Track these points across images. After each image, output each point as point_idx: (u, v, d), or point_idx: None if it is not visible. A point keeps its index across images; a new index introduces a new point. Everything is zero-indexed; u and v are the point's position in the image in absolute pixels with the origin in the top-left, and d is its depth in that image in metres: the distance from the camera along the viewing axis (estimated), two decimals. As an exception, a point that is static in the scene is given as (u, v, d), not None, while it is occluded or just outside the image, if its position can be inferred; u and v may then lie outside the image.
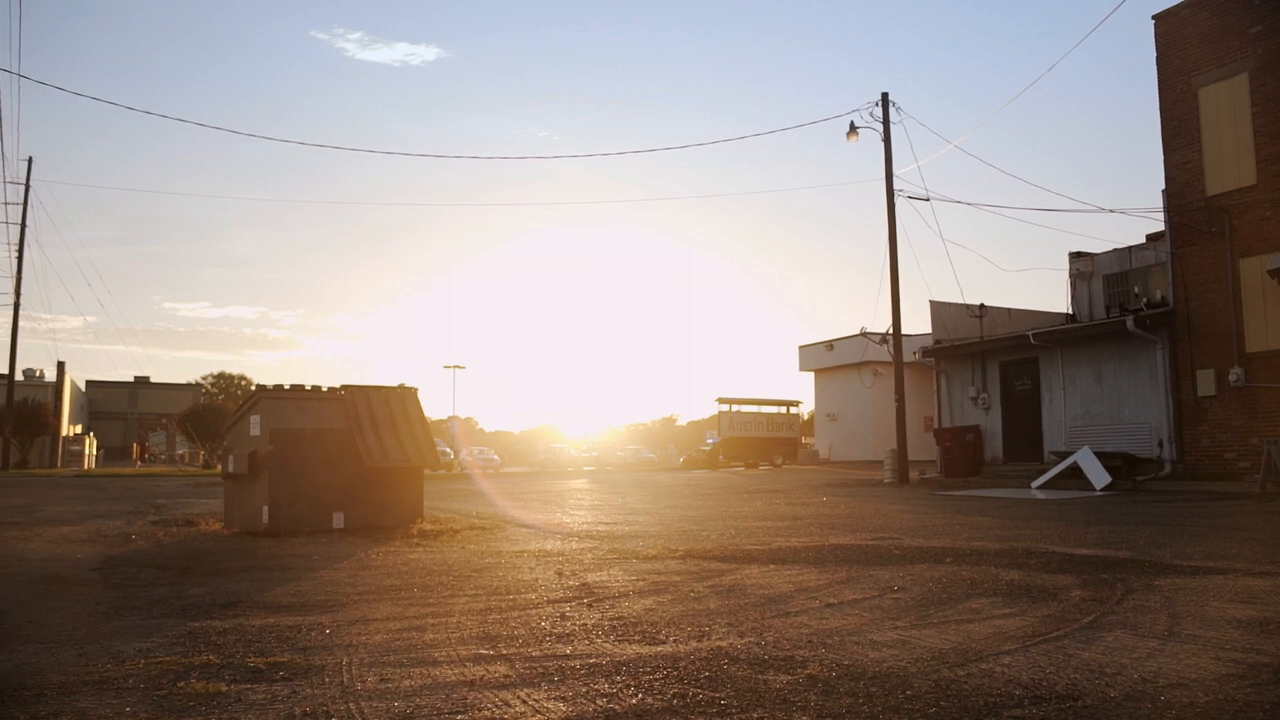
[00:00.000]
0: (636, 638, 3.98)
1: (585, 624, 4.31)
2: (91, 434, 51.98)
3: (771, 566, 6.48)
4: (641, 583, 5.74)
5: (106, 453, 55.88)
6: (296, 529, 9.34)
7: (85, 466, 43.41)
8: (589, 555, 7.33)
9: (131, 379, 73.55)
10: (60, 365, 44.44)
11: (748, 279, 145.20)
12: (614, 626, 4.24)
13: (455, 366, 60.22)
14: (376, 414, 10.21)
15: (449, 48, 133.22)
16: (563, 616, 4.51)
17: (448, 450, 42.41)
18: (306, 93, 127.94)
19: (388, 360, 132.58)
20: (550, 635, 4.06)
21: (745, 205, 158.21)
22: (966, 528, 9.57)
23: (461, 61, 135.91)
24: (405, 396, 10.58)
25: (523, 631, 4.14)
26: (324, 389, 10.24)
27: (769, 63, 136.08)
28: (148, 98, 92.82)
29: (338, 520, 9.75)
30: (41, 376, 50.31)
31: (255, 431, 9.87)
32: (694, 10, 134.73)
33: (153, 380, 79.49)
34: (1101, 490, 16.31)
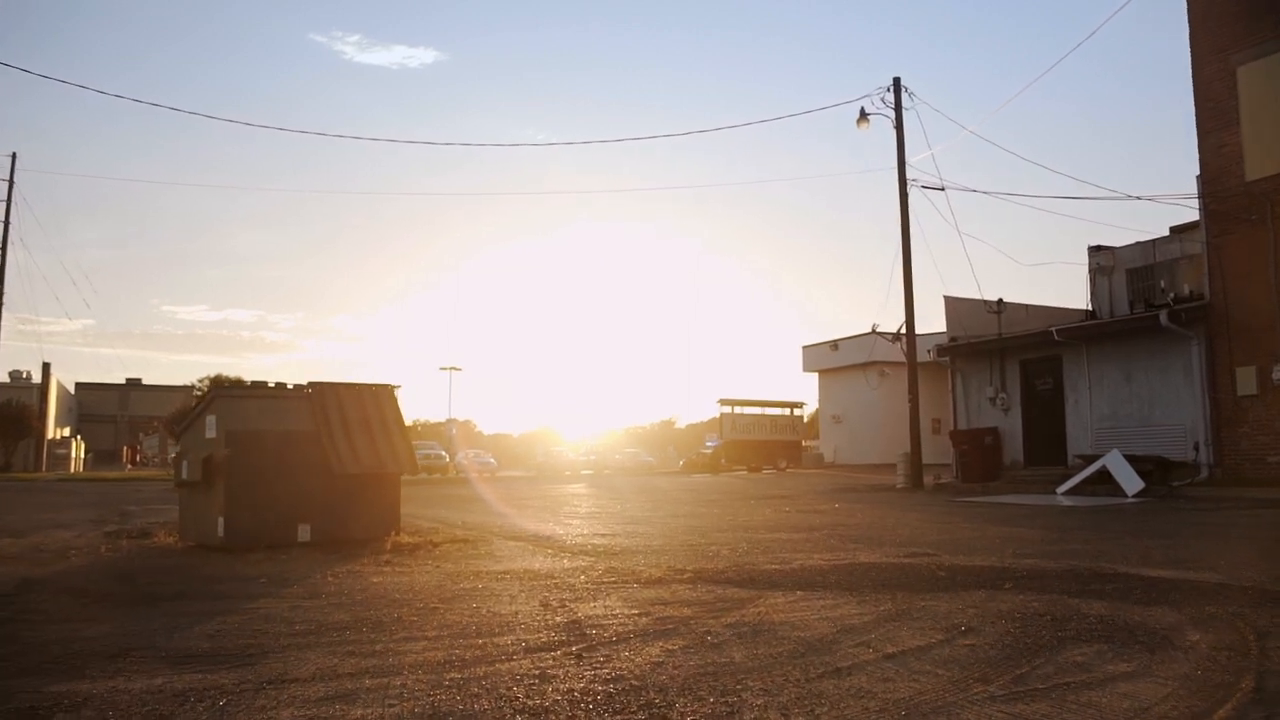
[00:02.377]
0: (640, 717, 2.90)
1: (571, 690, 3.23)
2: (79, 437, 50.93)
3: (799, 594, 5.41)
4: (645, 619, 4.66)
5: (96, 456, 54.67)
6: (256, 543, 8.28)
7: (71, 470, 42.34)
8: (582, 578, 6.27)
9: (123, 381, 72.44)
10: (45, 366, 43.23)
11: (747, 277, 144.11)
12: (609, 695, 3.16)
13: (452, 368, 59.09)
14: (348, 414, 9.14)
15: (447, 50, 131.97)
16: (542, 677, 3.43)
17: (443, 454, 41.41)
18: (306, 94, 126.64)
19: (386, 362, 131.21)
20: (522, 711, 2.97)
21: (745, 203, 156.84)
22: (1006, 541, 8.51)
23: (460, 64, 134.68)
24: (380, 395, 9.50)
25: (486, 704, 3.06)
26: (289, 386, 9.18)
27: (769, 63, 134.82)
28: (148, 98, 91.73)
29: (303, 533, 8.69)
30: (29, 378, 49.12)
31: (211, 434, 8.81)
32: (694, 10, 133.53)
33: (147, 383, 78.41)
34: (1134, 497, 15.20)
